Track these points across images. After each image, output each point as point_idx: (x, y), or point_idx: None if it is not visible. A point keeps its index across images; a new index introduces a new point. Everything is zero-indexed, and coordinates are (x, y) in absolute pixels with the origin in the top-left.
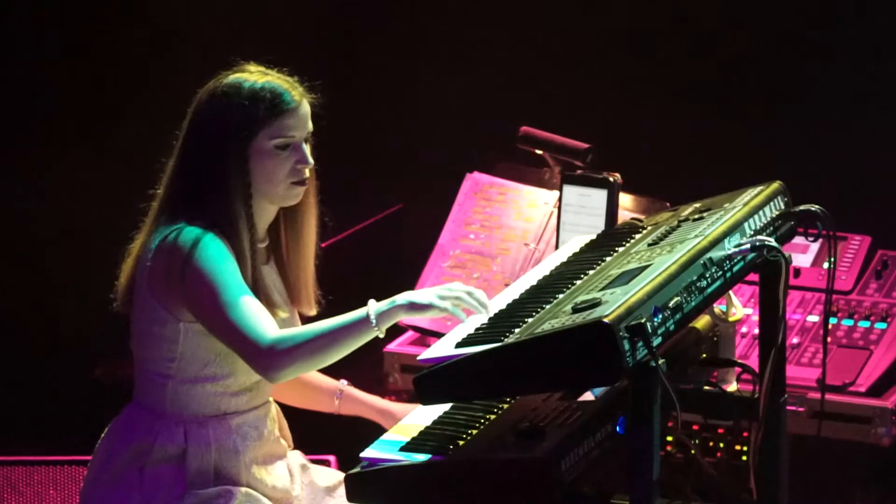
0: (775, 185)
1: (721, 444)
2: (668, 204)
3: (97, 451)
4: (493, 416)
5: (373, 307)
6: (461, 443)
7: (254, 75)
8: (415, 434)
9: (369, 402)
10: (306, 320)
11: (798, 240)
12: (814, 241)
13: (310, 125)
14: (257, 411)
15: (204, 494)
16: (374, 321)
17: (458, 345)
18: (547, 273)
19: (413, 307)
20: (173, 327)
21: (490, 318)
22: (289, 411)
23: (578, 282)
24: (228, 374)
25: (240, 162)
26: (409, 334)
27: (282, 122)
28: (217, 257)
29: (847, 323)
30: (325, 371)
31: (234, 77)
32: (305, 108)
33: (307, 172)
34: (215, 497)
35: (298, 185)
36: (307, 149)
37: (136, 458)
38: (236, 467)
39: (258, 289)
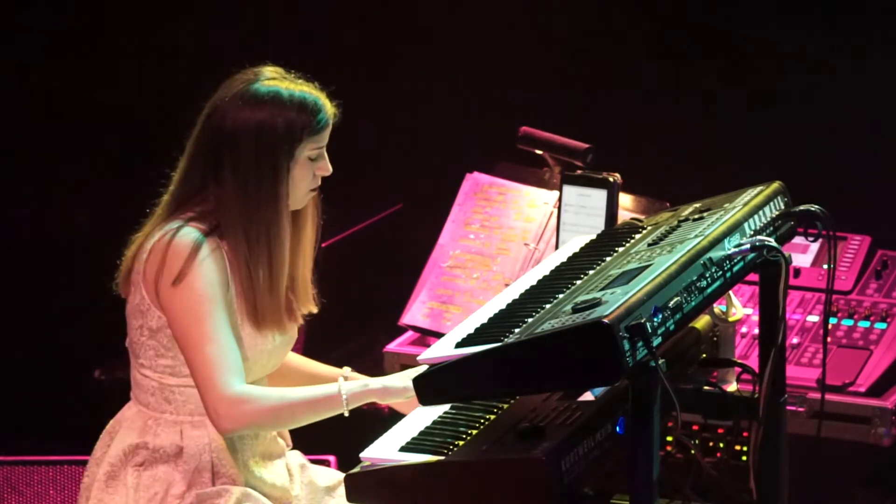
0: (775, 185)
1: (721, 444)
2: (668, 204)
3: (95, 452)
4: (493, 417)
5: (345, 387)
6: (461, 443)
7: (285, 82)
8: (414, 434)
9: None
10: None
11: (798, 240)
12: (814, 241)
13: None
14: None
15: (203, 494)
16: (345, 401)
17: (458, 345)
18: (547, 273)
19: (387, 392)
20: (167, 328)
21: (490, 318)
22: None
23: (578, 282)
24: None
25: (286, 172)
26: (409, 334)
27: (321, 135)
28: (214, 279)
29: (847, 323)
30: (325, 360)
31: (268, 83)
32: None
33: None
34: (214, 496)
35: (313, 191)
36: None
37: (133, 458)
38: (234, 466)
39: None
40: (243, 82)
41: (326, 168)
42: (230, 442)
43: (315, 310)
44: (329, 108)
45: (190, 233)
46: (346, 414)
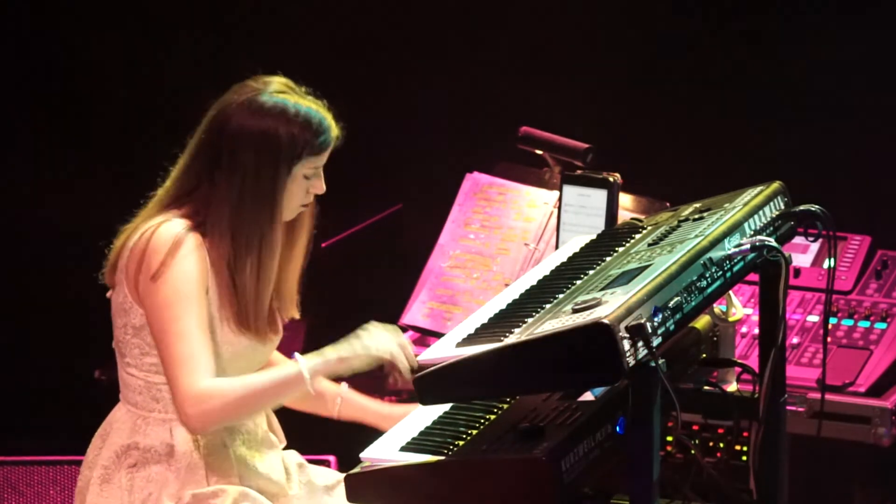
0: (775, 185)
1: (721, 444)
2: (668, 204)
3: (87, 455)
4: (493, 416)
5: (304, 364)
6: (461, 443)
7: (293, 96)
8: (415, 434)
9: (370, 407)
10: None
11: (798, 240)
12: (814, 241)
13: None
14: None
15: (199, 494)
16: (307, 377)
17: (459, 345)
18: (547, 273)
19: (343, 361)
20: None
21: (490, 318)
22: (289, 412)
23: (578, 282)
24: None
25: (283, 186)
26: (409, 334)
27: (321, 155)
28: (193, 276)
29: (847, 323)
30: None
31: (277, 97)
32: None
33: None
34: (211, 496)
35: (304, 206)
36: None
37: (125, 459)
38: (227, 461)
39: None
40: (252, 91)
41: (320, 187)
42: (220, 438)
43: (297, 315)
44: (333, 130)
45: (172, 228)
46: (312, 391)
